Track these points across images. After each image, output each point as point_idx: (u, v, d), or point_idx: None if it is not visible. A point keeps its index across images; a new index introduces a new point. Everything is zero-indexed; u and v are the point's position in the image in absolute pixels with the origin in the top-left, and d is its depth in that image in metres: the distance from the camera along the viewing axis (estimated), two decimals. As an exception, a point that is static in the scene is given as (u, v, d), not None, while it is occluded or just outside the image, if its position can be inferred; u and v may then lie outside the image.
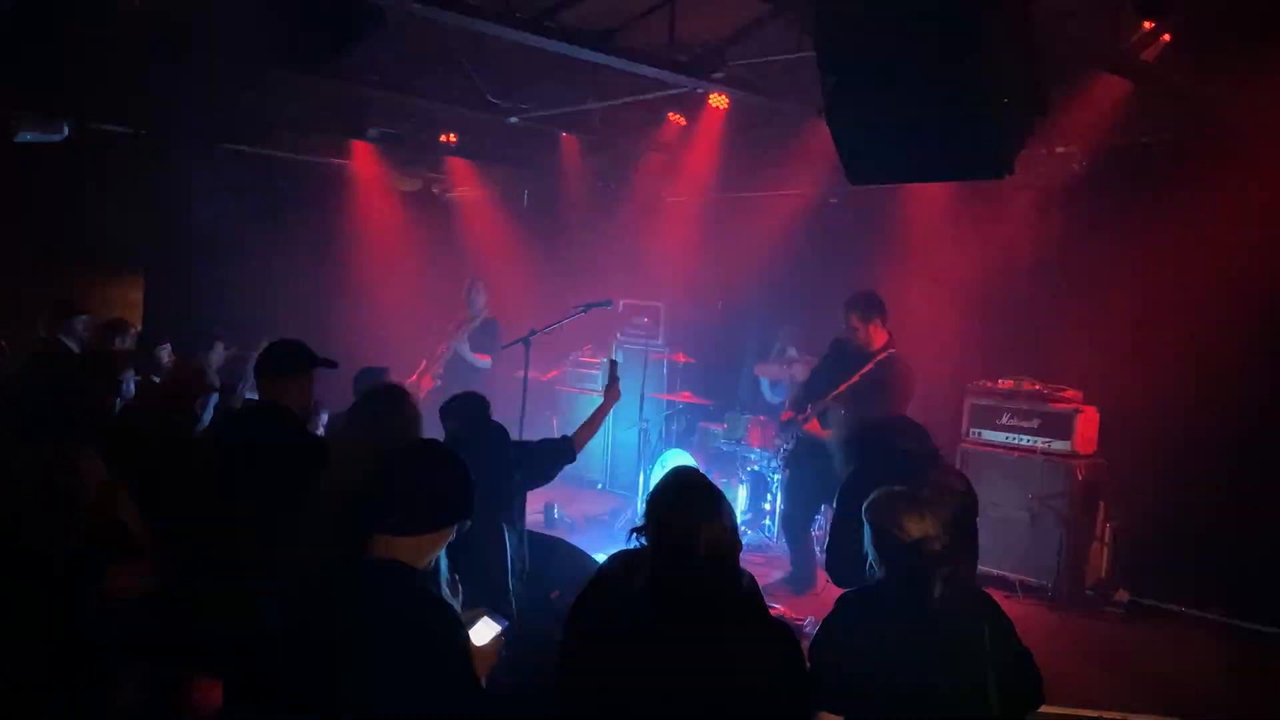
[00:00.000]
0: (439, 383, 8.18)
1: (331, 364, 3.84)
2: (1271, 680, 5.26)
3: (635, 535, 2.51)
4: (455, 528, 2.49)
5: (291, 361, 3.73)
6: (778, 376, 8.23)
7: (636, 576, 2.45)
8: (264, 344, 3.99)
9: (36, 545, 2.61)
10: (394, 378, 5.25)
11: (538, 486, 4.35)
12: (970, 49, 3.63)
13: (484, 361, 8.24)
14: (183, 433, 4.22)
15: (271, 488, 3.27)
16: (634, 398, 8.34)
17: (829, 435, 5.94)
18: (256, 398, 4.11)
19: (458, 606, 2.79)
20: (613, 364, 4.90)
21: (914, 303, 7.22)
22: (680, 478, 2.58)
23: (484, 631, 2.55)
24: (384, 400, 3.48)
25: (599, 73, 7.00)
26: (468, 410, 4.16)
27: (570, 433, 4.50)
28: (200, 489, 3.69)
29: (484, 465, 3.89)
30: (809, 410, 6.07)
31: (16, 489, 2.70)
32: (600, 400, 4.80)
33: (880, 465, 3.66)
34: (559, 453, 4.36)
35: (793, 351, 8.02)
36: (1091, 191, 6.82)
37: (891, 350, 5.91)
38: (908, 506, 2.75)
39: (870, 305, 5.98)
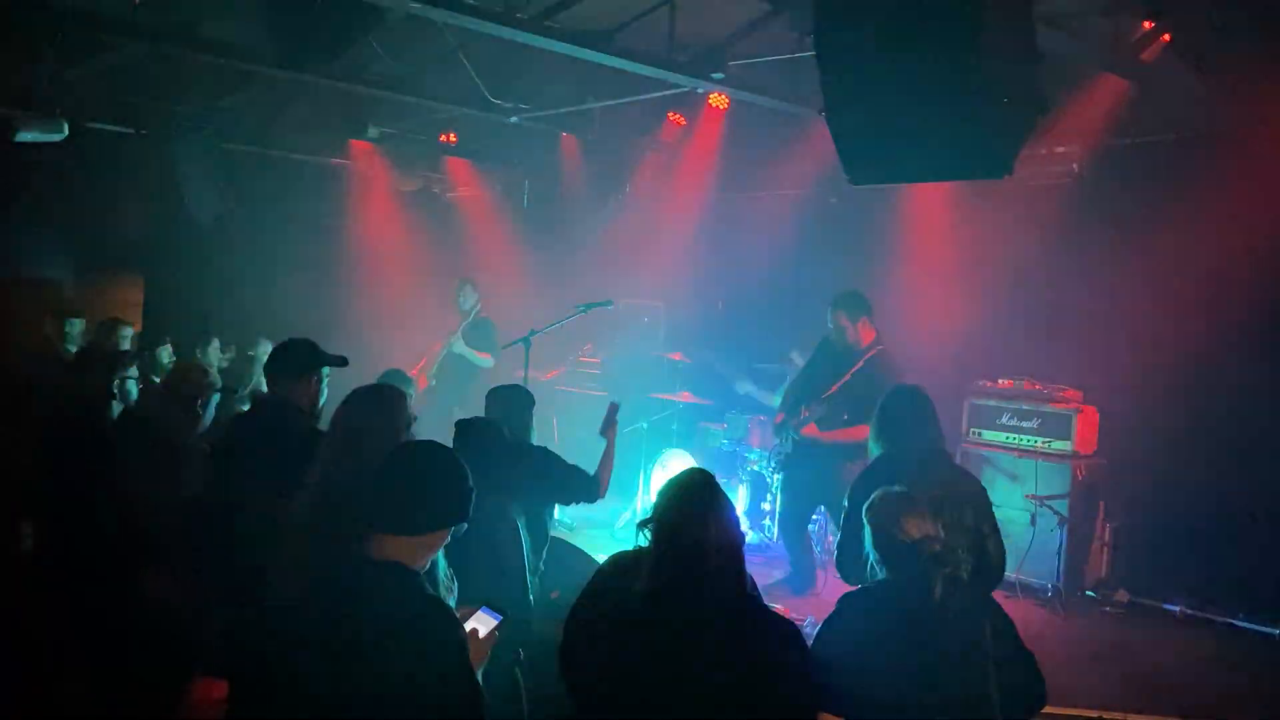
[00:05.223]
0: (433, 383, 8.17)
1: (342, 361, 3.86)
2: (1271, 680, 5.26)
3: (641, 530, 2.52)
4: (452, 530, 2.49)
5: (304, 363, 3.76)
6: (754, 391, 8.29)
7: (636, 578, 2.45)
8: (263, 343, 4.03)
9: None
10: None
11: (544, 501, 4.35)
12: (970, 49, 3.62)
13: (485, 360, 8.26)
14: (186, 433, 4.22)
15: (282, 485, 3.27)
16: (634, 398, 8.33)
17: (826, 437, 5.92)
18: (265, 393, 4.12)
19: (453, 604, 2.80)
20: (613, 406, 4.94)
21: (914, 303, 7.22)
22: (685, 479, 2.58)
23: (479, 626, 2.57)
24: (380, 399, 3.48)
25: (599, 73, 7.00)
26: (515, 402, 4.29)
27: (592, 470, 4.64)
28: (204, 488, 3.69)
29: (509, 460, 3.94)
30: (804, 413, 6.06)
31: None
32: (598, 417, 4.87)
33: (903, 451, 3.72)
34: (581, 486, 4.41)
35: (795, 356, 8.01)
36: (1091, 191, 6.82)
37: (881, 347, 5.91)
38: (908, 507, 2.75)
39: (857, 303, 5.96)
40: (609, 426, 4.84)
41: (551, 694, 2.81)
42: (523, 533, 3.81)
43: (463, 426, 4.24)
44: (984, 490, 4.01)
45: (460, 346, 8.24)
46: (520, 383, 6.55)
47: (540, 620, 3.70)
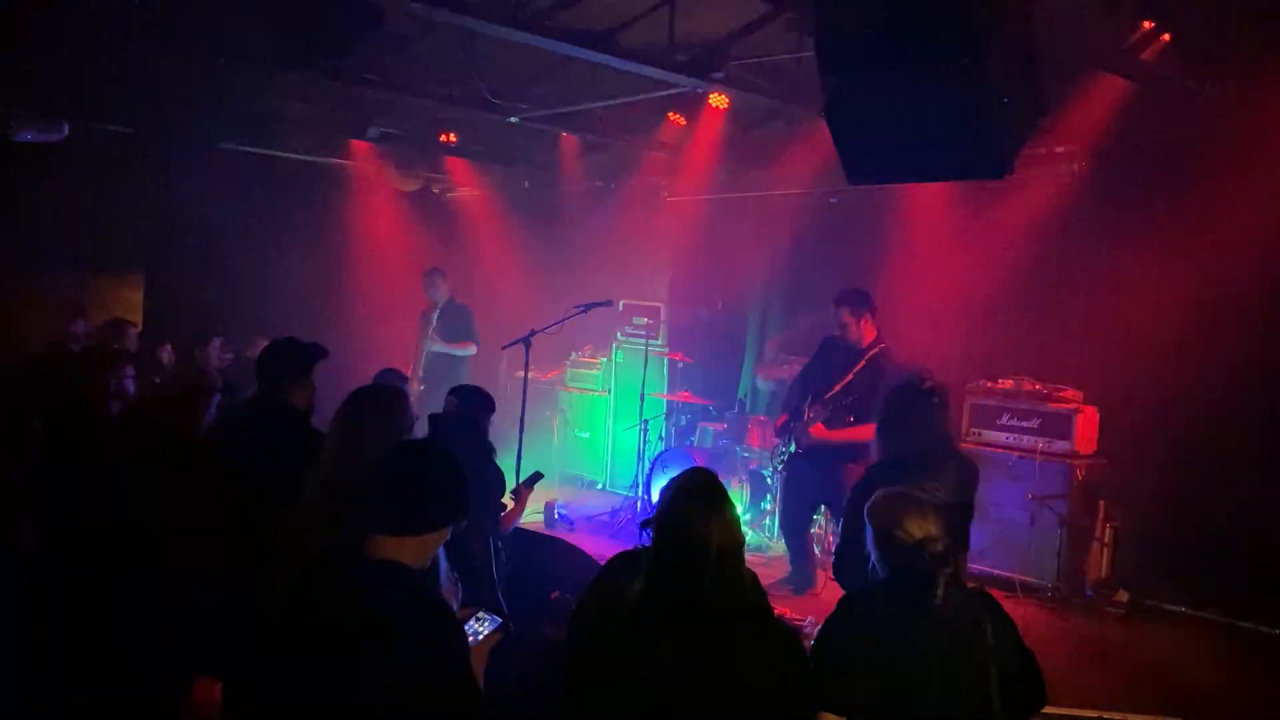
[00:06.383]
0: (422, 387, 8.13)
1: (321, 352, 3.85)
2: (1271, 680, 5.26)
3: (643, 529, 2.52)
4: (451, 528, 2.49)
5: (295, 364, 3.76)
6: (777, 377, 8.25)
7: (639, 578, 2.45)
8: (262, 343, 4.04)
9: None
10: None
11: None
12: (970, 49, 3.63)
13: (465, 350, 8.20)
14: (185, 433, 4.21)
15: (279, 486, 3.27)
16: (634, 397, 8.35)
17: (836, 436, 5.91)
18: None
19: (456, 605, 2.80)
20: (536, 475, 4.90)
21: (914, 302, 7.22)
22: (688, 479, 2.57)
23: (478, 629, 2.57)
24: (381, 400, 3.47)
25: (599, 73, 7.00)
26: (476, 401, 4.29)
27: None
28: (203, 489, 3.69)
29: (472, 457, 3.93)
30: (808, 414, 6.05)
31: None
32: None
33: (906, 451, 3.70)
34: (497, 513, 4.33)
35: (783, 358, 8.05)
36: (1091, 192, 6.82)
37: (882, 345, 5.93)
38: (910, 507, 2.75)
39: (861, 301, 5.99)
40: (524, 489, 4.76)
41: (551, 695, 2.81)
42: (489, 530, 3.82)
43: (436, 421, 4.24)
44: (972, 485, 3.91)
45: (438, 345, 8.18)
46: (520, 382, 6.58)
47: (540, 620, 3.70)
